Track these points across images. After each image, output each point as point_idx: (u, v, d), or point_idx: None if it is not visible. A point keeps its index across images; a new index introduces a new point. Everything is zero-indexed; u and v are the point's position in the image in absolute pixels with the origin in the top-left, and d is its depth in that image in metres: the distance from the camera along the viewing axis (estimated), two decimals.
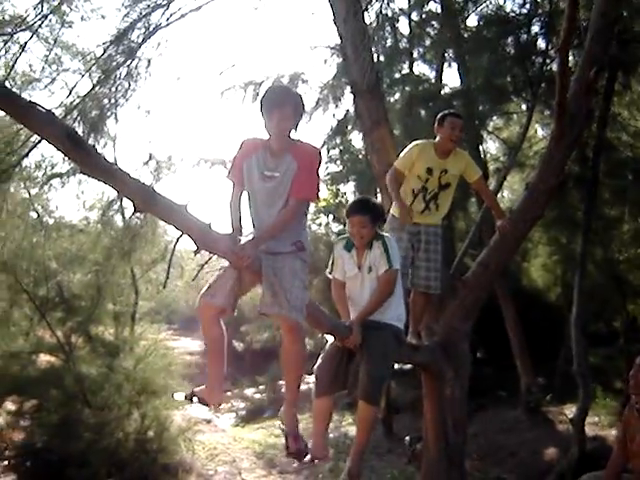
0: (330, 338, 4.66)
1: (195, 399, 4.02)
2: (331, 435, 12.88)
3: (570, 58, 6.71)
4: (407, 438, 8.02)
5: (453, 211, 13.57)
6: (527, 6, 9.92)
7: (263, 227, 3.81)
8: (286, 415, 3.99)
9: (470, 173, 5.83)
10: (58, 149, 3.23)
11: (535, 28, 9.73)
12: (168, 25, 8.12)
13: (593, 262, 12.40)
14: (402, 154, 5.76)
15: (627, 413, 4.49)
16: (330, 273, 4.83)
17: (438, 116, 5.78)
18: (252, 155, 3.88)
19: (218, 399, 4.05)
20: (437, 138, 5.69)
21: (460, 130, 5.63)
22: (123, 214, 13.54)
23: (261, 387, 19.67)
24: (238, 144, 4.00)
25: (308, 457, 4.18)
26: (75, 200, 16.10)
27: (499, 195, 17.42)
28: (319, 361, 4.65)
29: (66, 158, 6.66)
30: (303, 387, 4.04)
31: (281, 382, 18.93)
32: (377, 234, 4.62)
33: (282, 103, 3.77)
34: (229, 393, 20.10)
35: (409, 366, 9.87)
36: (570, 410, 11.00)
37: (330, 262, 4.84)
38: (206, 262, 3.84)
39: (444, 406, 6.35)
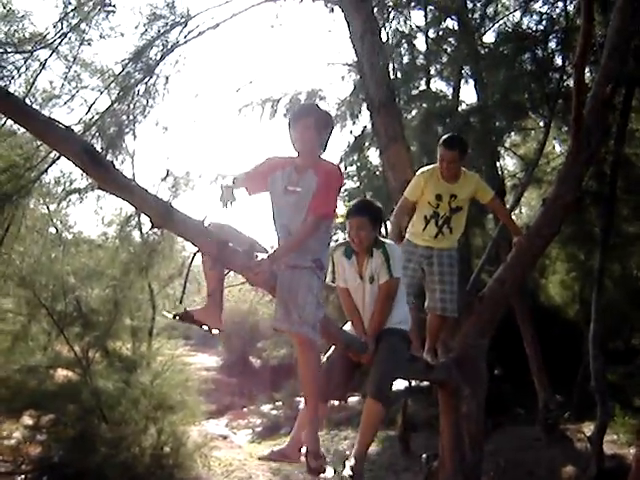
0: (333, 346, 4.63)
1: (188, 319, 3.86)
2: (347, 452, 12.85)
3: (587, 74, 6.72)
4: (424, 456, 7.97)
5: (470, 227, 13.56)
6: (544, 22, 9.93)
7: (281, 243, 3.86)
8: (306, 432, 3.94)
9: (482, 195, 5.80)
10: (76, 165, 3.27)
11: (552, 44, 9.75)
12: (186, 43, 8.20)
13: (611, 278, 12.35)
14: (411, 183, 5.76)
15: None
16: (333, 282, 4.77)
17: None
18: (278, 170, 3.98)
19: (216, 322, 3.91)
20: None
21: (450, 161, 5.51)
22: (141, 230, 13.62)
23: (278, 403, 19.64)
24: (261, 160, 4.10)
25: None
26: (94, 215, 16.23)
27: (516, 211, 17.41)
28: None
29: (84, 174, 6.71)
30: None
31: (298, 398, 18.95)
32: (378, 241, 4.55)
33: (306, 114, 3.92)
34: (245, 409, 20.12)
35: (426, 383, 9.84)
36: (588, 428, 10.92)
37: (330, 270, 4.71)
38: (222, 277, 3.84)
39: (461, 423, 6.32)
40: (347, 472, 4.19)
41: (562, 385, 13.19)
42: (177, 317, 3.89)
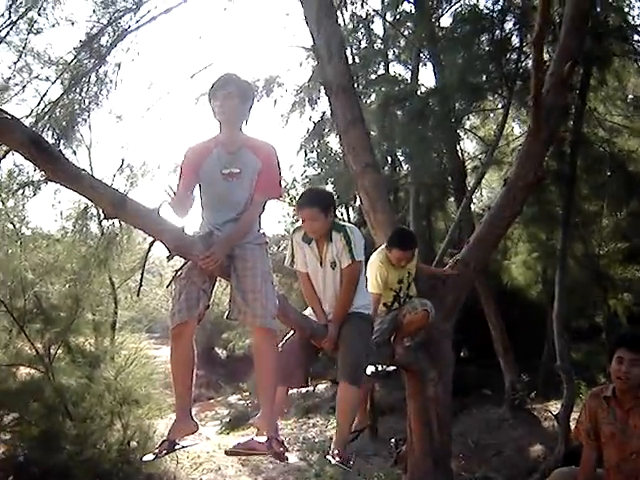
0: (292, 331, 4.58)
1: (178, 446, 3.71)
2: (317, 440, 12.83)
3: (545, 54, 6.71)
4: (392, 440, 7.99)
5: (432, 211, 13.57)
6: (500, 2, 9.90)
7: (229, 228, 3.72)
8: (268, 420, 3.77)
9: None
10: (24, 156, 3.17)
11: (509, 25, 9.74)
12: (138, 29, 8.08)
13: (573, 258, 12.43)
14: (373, 276, 5.46)
15: (592, 403, 4.23)
16: (291, 266, 4.71)
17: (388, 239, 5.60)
18: (206, 158, 3.80)
19: (195, 427, 3.80)
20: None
21: (407, 259, 5.47)
22: (100, 222, 13.39)
23: (245, 394, 19.56)
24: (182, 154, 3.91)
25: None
26: (52, 210, 15.91)
27: (477, 193, 17.43)
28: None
29: (34, 165, 6.56)
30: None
31: None
32: (337, 225, 4.50)
33: (225, 84, 3.77)
34: (212, 401, 20.02)
35: (392, 368, 9.84)
36: (555, 407, 10.99)
37: (289, 253, 4.69)
38: (181, 267, 3.71)
39: (428, 406, 6.31)
40: (335, 461, 4.20)
41: (528, 365, 13.28)
42: (166, 451, 3.70)
